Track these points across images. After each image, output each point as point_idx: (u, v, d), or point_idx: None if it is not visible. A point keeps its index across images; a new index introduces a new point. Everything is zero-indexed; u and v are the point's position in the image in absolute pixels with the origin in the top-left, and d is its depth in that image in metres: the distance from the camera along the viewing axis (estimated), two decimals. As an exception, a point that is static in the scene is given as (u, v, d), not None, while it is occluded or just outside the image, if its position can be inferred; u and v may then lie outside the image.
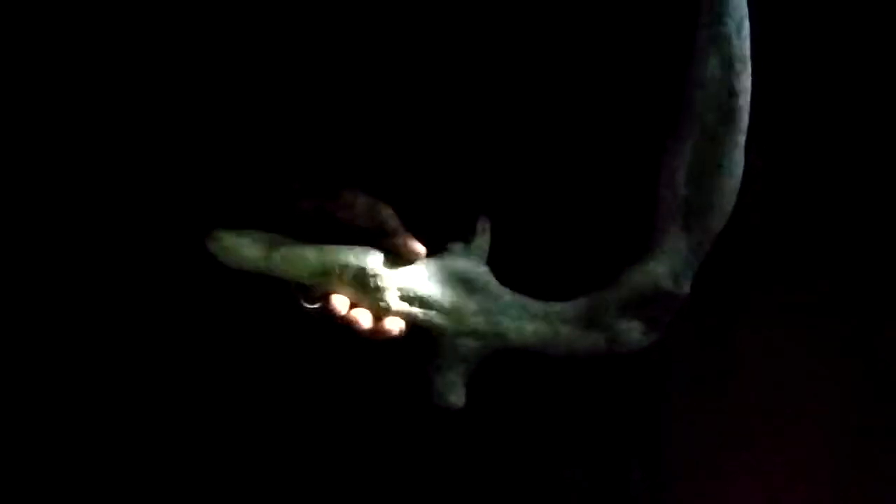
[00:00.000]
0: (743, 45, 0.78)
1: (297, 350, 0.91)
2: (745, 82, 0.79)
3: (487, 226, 0.81)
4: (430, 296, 0.80)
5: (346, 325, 0.79)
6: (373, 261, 0.79)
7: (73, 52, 0.90)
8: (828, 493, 0.99)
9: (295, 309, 0.81)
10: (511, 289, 0.82)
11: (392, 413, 0.93)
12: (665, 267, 0.81)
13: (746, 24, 0.78)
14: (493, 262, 0.82)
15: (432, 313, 0.80)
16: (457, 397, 0.82)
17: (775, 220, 0.83)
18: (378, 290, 0.79)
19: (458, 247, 0.81)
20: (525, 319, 0.81)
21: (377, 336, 0.80)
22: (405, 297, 0.80)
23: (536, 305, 0.82)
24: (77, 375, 0.94)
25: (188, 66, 0.89)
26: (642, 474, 0.98)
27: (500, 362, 0.82)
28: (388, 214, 0.81)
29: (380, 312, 0.80)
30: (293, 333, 0.88)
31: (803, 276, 0.98)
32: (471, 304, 0.80)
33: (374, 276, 0.79)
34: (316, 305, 0.80)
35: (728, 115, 0.79)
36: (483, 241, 0.82)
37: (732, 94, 0.78)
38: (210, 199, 0.86)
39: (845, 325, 0.99)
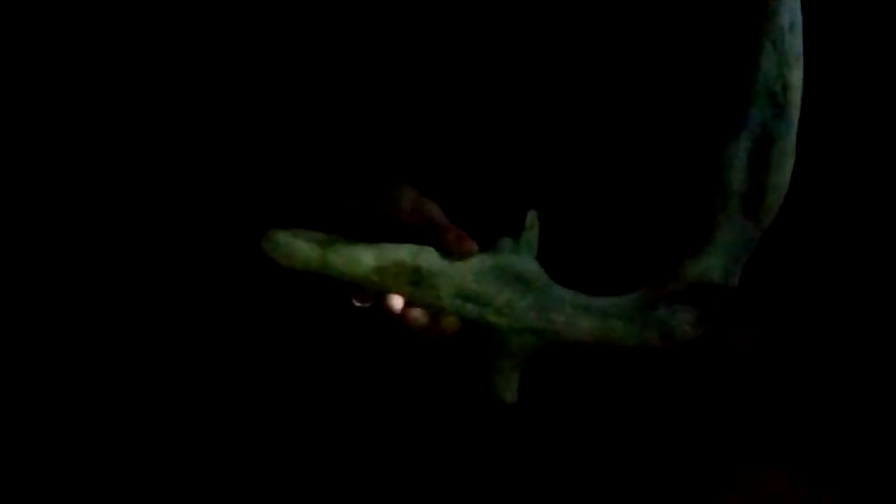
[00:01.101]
0: (796, 41, 0.78)
1: (351, 348, 0.92)
2: (798, 77, 0.79)
3: (536, 220, 0.82)
4: (483, 293, 0.80)
5: (401, 323, 0.80)
6: (427, 258, 0.79)
7: (123, 59, 0.90)
8: (830, 494, 1.00)
9: (348, 308, 0.81)
10: (562, 284, 0.82)
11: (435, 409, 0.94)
12: (717, 261, 0.81)
13: (799, 20, 0.78)
14: (544, 258, 0.82)
15: (486, 310, 0.80)
16: (511, 394, 0.82)
17: (777, 219, 0.84)
18: (432, 287, 0.79)
19: (507, 242, 0.81)
20: (577, 315, 0.81)
21: (432, 334, 0.80)
22: (459, 295, 0.80)
23: (588, 300, 0.82)
24: (130, 369, 0.95)
25: (234, 72, 0.88)
26: (645, 474, 0.99)
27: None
28: (435, 211, 0.81)
29: (434, 310, 0.80)
30: (346, 332, 0.88)
31: (805, 275, 0.98)
32: (523, 301, 0.81)
33: (429, 273, 0.79)
34: (369, 304, 0.80)
35: (781, 110, 0.79)
36: (532, 235, 0.82)
37: (786, 88, 0.79)
38: (260, 201, 0.86)
39: (847, 324, 0.99)
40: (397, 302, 0.79)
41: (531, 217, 0.82)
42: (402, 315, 0.79)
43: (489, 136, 0.89)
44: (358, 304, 0.80)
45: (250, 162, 0.88)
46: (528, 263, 0.81)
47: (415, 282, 0.79)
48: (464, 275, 0.80)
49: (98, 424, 0.96)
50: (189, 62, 0.89)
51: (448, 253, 0.80)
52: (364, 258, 0.78)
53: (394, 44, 0.88)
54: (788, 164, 0.80)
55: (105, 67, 0.90)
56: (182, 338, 0.94)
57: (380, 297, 0.80)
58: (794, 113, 0.79)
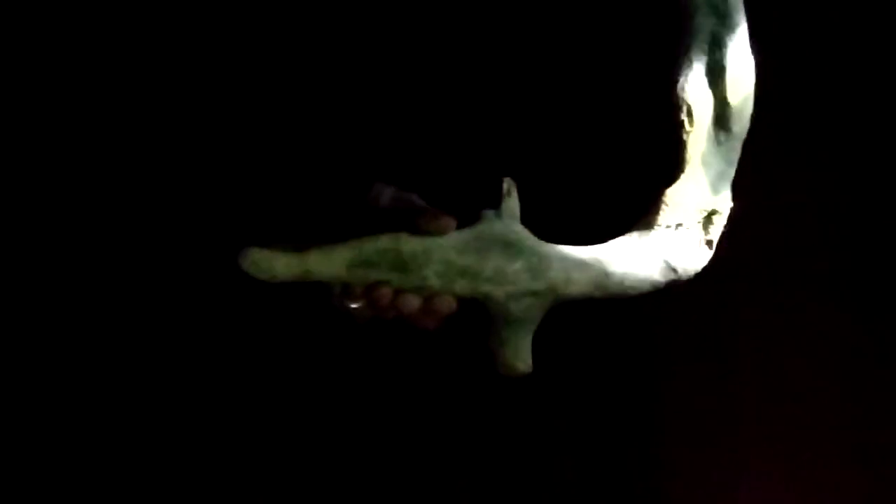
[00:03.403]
0: None
1: (352, 352, 0.91)
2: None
3: (513, 185, 0.80)
4: (470, 265, 0.78)
5: (396, 314, 0.78)
6: (407, 242, 0.78)
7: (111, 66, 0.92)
8: (830, 493, 0.97)
9: (341, 313, 0.80)
10: (552, 241, 0.80)
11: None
12: (700, 182, 0.79)
13: None
14: (528, 220, 0.81)
15: (477, 282, 0.78)
16: (524, 363, 0.79)
17: (774, 217, 0.82)
18: (418, 269, 0.77)
19: (489, 213, 0.80)
20: (573, 269, 0.79)
21: (429, 319, 0.79)
22: (447, 272, 0.78)
23: (581, 251, 0.80)
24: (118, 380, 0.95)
25: (219, 79, 0.91)
26: (642, 473, 0.97)
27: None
28: (414, 198, 0.81)
29: (425, 293, 0.78)
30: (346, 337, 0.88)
31: (804, 273, 0.97)
32: (514, 265, 0.79)
33: (412, 256, 0.77)
34: (360, 303, 0.79)
35: (726, 16, 0.77)
36: (512, 201, 0.80)
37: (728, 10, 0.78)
38: (239, 198, 0.86)
39: (846, 322, 0.98)
40: (387, 293, 0.78)
41: (507, 184, 0.80)
42: (395, 305, 0.78)
43: (454, 109, 0.90)
44: (351, 304, 0.79)
45: (225, 165, 0.89)
46: (511, 228, 0.79)
47: (399, 267, 0.77)
48: (447, 250, 0.78)
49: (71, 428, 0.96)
50: (161, 68, 0.92)
51: (427, 233, 0.78)
52: (343, 254, 0.77)
53: (364, 41, 0.90)
54: (747, 67, 0.78)
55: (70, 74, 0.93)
56: (173, 347, 0.95)
57: (370, 294, 0.78)
58: (739, 16, 0.78)
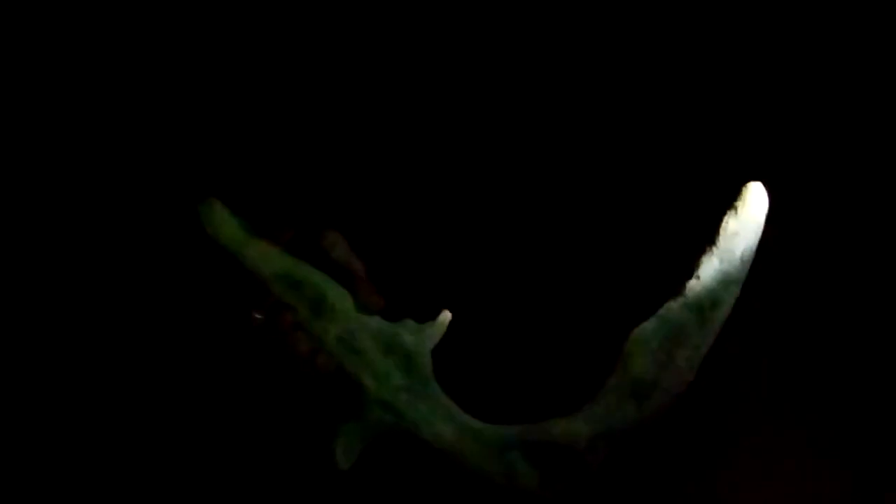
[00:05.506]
0: (742, 269, 0.82)
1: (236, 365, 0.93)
2: (730, 303, 0.82)
3: (448, 320, 0.83)
4: (367, 352, 0.81)
5: (284, 341, 0.81)
6: (334, 293, 0.81)
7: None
8: (830, 494, 0.96)
9: (242, 317, 0.82)
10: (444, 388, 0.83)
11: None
12: (585, 427, 0.81)
13: (752, 253, 0.81)
14: (439, 357, 0.83)
15: (363, 369, 0.81)
16: (346, 460, 0.81)
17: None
18: (326, 321, 0.81)
19: (411, 325, 0.83)
20: (442, 419, 0.82)
21: (307, 365, 0.81)
22: (346, 342, 0.81)
23: (457, 412, 0.83)
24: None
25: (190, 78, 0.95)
26: (644, 475, 0.96)
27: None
28: (359, 266, 0.84)
29: (318, 344, 0.81)
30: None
31: (802, 281, 0.98)
32: (400, 379, 0.82)
33: (330, 307, 0.81)
34: (261, 316, 0.81)
35: (705, 322, 0.81)
36: (437, 330, 0.83)
37: (715, 306, 0.82)
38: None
39: (846, 322, 0.97)
40: (287, 322, 0.81)
41: (444, 316, 0.84)
42: (288, 333, 0.80)
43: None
44: (254, 313, 0.82)
45: (193, 166, 0.93)
46: (421, 350, 0.83)
47: (314, 308, 0.81)
48: (360, 326, 0.82)
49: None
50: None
51: (356, 301, 0.82)
52: (280, 262, 0.81)
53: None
54: (688, 375, 0.82)
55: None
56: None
57: (273, 311, 0.81)
58: (714, 331, 0.82)
